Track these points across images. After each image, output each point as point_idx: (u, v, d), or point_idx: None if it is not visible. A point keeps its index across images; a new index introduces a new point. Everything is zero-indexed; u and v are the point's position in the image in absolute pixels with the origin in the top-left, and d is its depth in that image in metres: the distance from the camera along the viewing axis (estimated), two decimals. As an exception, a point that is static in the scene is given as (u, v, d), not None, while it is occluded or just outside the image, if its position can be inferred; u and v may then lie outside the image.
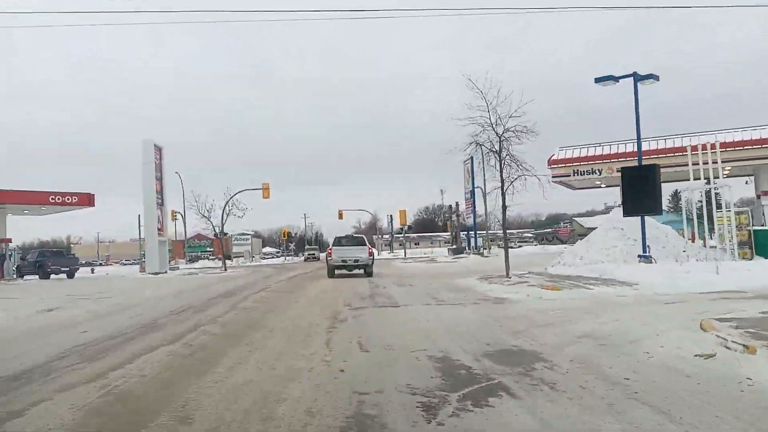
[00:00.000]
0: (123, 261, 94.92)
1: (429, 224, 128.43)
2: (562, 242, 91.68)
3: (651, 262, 16.00)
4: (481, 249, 37.72)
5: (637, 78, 17.18)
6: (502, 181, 15.47)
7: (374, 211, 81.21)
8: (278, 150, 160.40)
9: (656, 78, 17.18)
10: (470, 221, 39.22)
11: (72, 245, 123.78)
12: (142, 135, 38.83)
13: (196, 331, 8.32)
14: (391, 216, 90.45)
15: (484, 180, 39.06)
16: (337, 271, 21.60)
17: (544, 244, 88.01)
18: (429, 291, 14.14)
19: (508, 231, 18.33)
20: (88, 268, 47.69)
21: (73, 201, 30.28)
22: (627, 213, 16.71)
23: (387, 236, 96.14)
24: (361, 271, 21.54)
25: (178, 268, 44.54)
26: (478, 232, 42.13)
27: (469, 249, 40.66)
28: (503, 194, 15.50)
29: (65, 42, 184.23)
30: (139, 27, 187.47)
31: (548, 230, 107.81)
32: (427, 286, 15.71)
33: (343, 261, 21.33)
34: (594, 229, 23.69)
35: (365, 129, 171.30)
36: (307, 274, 27.32)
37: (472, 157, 42.27)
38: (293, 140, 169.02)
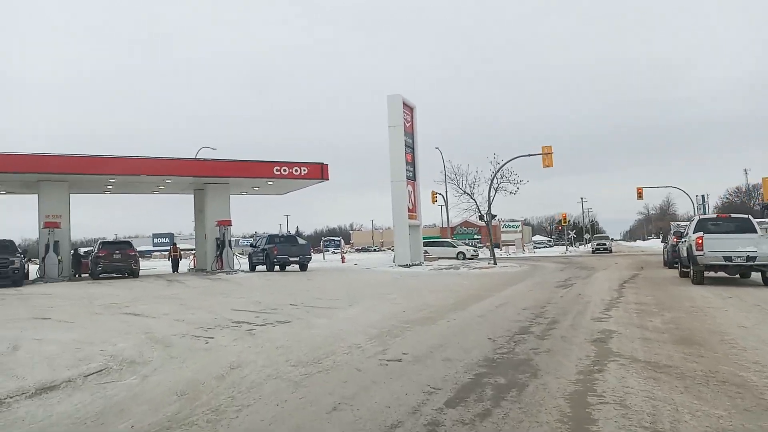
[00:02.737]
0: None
1: (740, 209, 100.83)
2: None
3: None
4: None
5: None
6: None
7: (668, 192, 62.27)
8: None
9: None
10: None
11: (351, 232, 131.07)
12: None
13: None
14: (702, 197, 69.37)
15: None
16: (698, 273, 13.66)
17: None
18: None
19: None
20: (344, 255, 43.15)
21: (303, 173, 23.97)
22: None
23: (684, 224, 75.11)
24: (736, 275, 13.99)
25: (437, 258, 36.75)
26: None
27: None
28: None
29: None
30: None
31: None
32: None
33: (725, 258, 12.88)
34: None
35: (635, 108, 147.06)
36: (633, 279, 15.79)
37: None
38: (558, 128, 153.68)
